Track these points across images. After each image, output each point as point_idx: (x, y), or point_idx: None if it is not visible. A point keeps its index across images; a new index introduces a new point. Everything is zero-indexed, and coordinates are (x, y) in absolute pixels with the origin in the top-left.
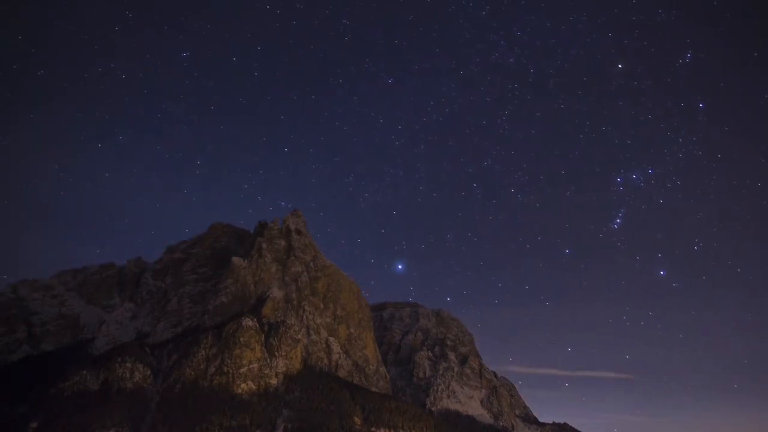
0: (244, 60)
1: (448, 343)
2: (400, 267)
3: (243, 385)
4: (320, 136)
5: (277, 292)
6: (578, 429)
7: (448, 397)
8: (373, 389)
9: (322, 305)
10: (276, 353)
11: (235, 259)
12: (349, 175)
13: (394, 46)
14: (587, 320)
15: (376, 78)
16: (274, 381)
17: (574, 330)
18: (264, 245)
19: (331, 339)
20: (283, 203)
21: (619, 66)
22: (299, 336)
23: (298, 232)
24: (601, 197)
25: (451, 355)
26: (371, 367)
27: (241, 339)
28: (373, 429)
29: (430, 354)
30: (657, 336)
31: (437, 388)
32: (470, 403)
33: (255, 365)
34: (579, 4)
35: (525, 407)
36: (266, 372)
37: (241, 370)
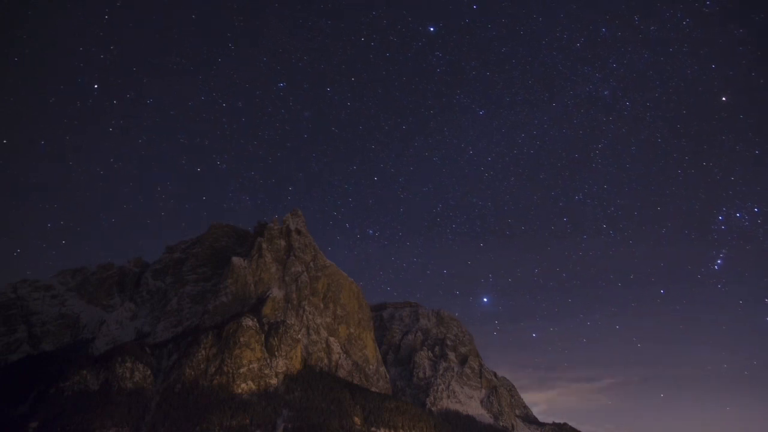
0: (339, 91)
1: (448, 343)
2: (485, 300)
3: (243, 385)
4: (410, 166)
5: (277, 292)
6: (578, 429)
7: (448, 397)
8: (373, 389)
9: (322, 305)
10: (276, 353)
11: (235, 259)
12: (438, 206)
13: (486, 78)
14: (683, 365)
15: (468, 109)
16: (274, 381)
17: (668, 374)
18: (264, 245)
19: (331, 339)
20: (371, 231)
21: (723, 99)
22: (299, 336)
23: (298, 232)
24: (701, 236)
25: (451, 355)
26: (371, 367)
27: (241, 339)
28: (373, 429)
29: (430, 354)
30: (763, 387)
31: (437, 388)
32: (470, 403)
33: (255, 365)
34: (680, 35)
35: (525, 407)
36: (266, 372)
37: (241, 370)
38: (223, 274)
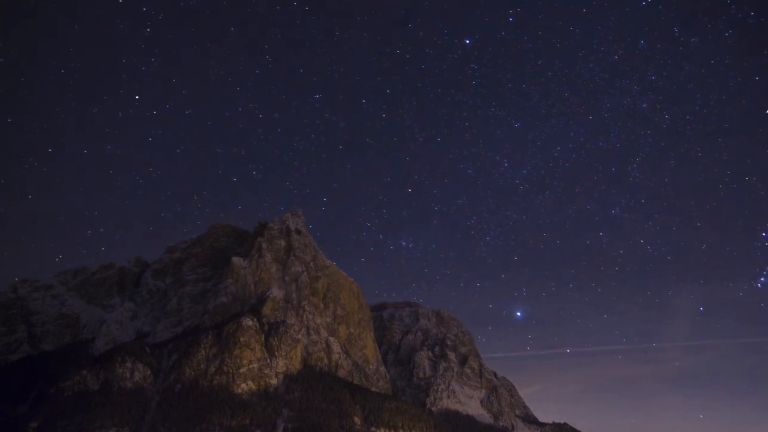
0: (374, 102)
1: (448, 343)
2: (519, 314)
3: (243, 385)
4: (444, 178)
5: (277, 292)
6: (578, 429)
7: (448, 397)
8: (373, 389)
9: (322, 305)
10: (276, 353)
11: (235, 259)
12: (472, 218)
13: (522, 91)
14: (722, 382)
15: (503, 122)
16: (274, 381)
17: (707, 394)
18: (264, 245)
19: (331, 339)
20: (404, 243)
21: (767, 112)
22: (299, 336)
23: (298, 232)
24: (743, 253)
25: (451, 355)
26: (371, 367)
27: (241, 339)
28: (373, 429)
29: (430, 354)
30: None
31: (437, 388)
32: (470, 403)
33: (255, 365)
34: (722, 47)
35: (525, 407)
36: (266, 372)
37: (241, 370)
38: (223, 274)
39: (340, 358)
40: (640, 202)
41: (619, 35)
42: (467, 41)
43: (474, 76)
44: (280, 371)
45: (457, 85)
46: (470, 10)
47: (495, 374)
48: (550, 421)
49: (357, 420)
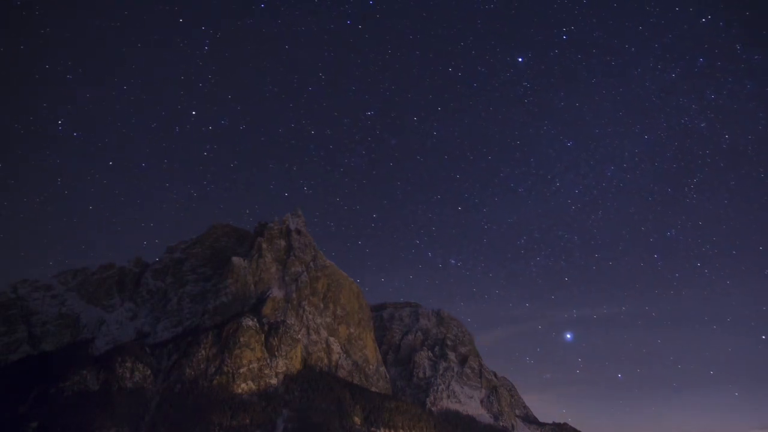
0: (425, 120)
1: (448, 343)
2: (568, 337)
3: (243, 385)
4: (494, 197)
5: (277, 292)
6: (578, 429)
7: (448, 397)
8: (373, 389)
9: (322, 305)
10: (276, 353)
11: (235, 259)
12: (522, 238)
13: (575, 109)
14: None
15: (555, 140)
16: (274, 381)
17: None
18: (264, 245)
19: (331, 339)
20: (453, 261)
21: None
22: (299, 336)
23: (298, 232)
24: None
25: (451, 355)
26: (371, 367)
27: (241, 339)
28: (373, 429)
29: (430, 354)
30: None
31: (437, 388)
32: (470, 403)
33: (255, 365)
34: None
35: (525, 407)
36: (266, 372)
37: (241, 370)
38: (223, 274)
39: (340, 358)
40: (698, 224)
41: (676, 53)
42: (520, 59)
43: (526, 94)
44: (280, 371)
45: (509, 104)
46: (523, 29)
47: (495, 374)
48: (550, 421)
49: (357, 420)
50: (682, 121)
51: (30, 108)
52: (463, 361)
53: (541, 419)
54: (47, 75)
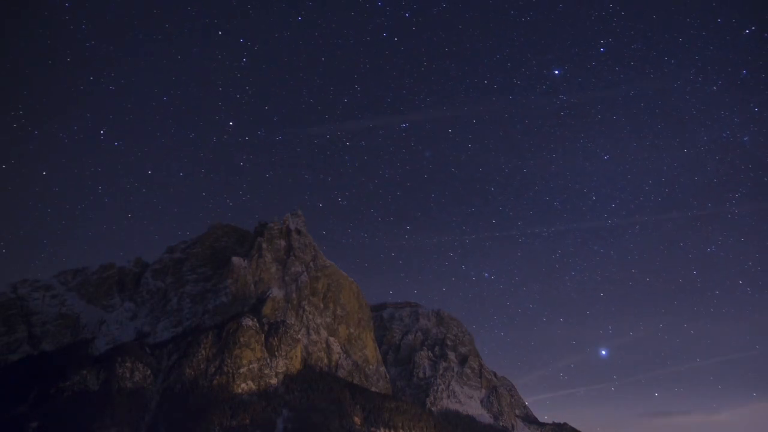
0: (460, 132)
1: (448, 343)
2: (603, 353)
3: (243, 385)
4: (529, 210)
5: (277, 292)
6: (578, 429)
7: (448, 397)
8: (373, 389)
9: (322, 305)
10: (276, 353)
11: (235, 259)
12: (557, 252)
13: (612, 122)
14: None
15: (592, 154)
16: (274, 381)
17: None
18: (264, 245)
19: (331, 339)
20: (486, 274)
21: None
22: (299, 336)
23: (298, 232)
24: None
25: (451, 355)
26: (371, 367)
27: (241, 339)
28: (373, 429)
29: (430, 354)
30: None
31: (437, 388)
32: (470, 403)
33: (255, 365)
34: None
35: (525, 407)
36: (266, 372)
37: (241, 370)
38: (223, 274)
39: (340, 358)
40: (740, 240)
41: (718, 65)
42: (556, 72)
43: (563, 106)
44: (280, 371)
45: (544, 116)
46: (560, 41)
47: (495, 374)
48: (550, 421)
49: (357, 420)
50: (724, 134)
51: (75, 118)
52: (463, 361)
53: None
54: (92, 87)
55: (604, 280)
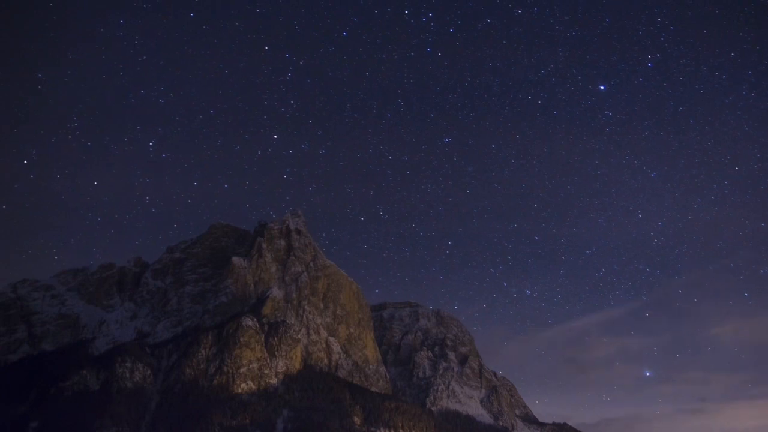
0: (503, 147)
1: (448, 343)
2: (648, 374)
3: (243, 385)
4: (573, 227)
5: (277, 292)
6: (578, 429)
7: (448, 397)
8: (373, 389)
9: (322, 305)
10: (276, 353)
11: (235, 259)
12: (600, 270)
13: (660, 139)
14: None
15: (638, 171)
16: (274, 381)
17: None
18: (264, 245)
19: (331, 339)
20: (528, 291)
21: None
22: (299, 336)
23: (298, 232)
24: None
25: (451, 355)
26: (371, 367)
27: (241, 339)
28: (373, 429)
29: (430, 354)
30: None
31: (437, 388)
32: (470, 403)
33: (255, 365)
34: None
35: (525, 407)
36: (266, 372)
37: (241, 370)
38: (223, 274)
39: (340, 358)
40: None
41: None
42: (602, 87)
43: (608, 123)
44: (280, 371)
45: (589, 132)
46: (606, 56)
47: (495, 374)
48: (550, 421)
49: (357, 420)
50: None
51: (125, 130)
52: (463, 361)
53: None
54: (142, 100)
55: (649, 300)
